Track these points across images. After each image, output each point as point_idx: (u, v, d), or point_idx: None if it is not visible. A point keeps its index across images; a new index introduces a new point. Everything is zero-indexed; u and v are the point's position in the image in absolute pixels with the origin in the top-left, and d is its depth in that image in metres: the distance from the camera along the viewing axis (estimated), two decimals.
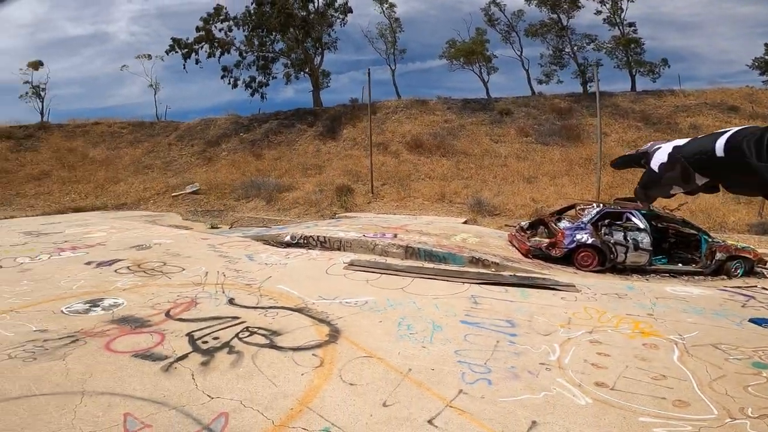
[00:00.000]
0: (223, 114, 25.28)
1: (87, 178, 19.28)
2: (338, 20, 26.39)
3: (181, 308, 4.42)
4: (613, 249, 7.57)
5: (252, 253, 7.48)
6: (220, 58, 25.84)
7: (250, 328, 4.06)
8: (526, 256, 8.02)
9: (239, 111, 25.89)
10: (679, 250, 8.40)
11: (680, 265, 7.88)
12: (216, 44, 25.67)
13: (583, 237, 7.70)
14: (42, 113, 25.06)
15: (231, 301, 4.73)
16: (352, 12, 26.39)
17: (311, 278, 5.89)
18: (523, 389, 3.18)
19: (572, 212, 9.47)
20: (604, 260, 7.57)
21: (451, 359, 3.65)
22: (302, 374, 3.31)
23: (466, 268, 7.16)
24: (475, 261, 7.39)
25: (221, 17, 25.40)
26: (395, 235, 8.51)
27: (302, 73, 26.77)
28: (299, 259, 7.10)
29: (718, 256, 7.63)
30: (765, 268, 7.95)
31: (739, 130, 0.52)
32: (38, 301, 4.51)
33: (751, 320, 5.04)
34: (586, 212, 8.81)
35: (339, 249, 8.06)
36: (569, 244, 7.72)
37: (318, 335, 4.02)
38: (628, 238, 7.60)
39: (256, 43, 26.09)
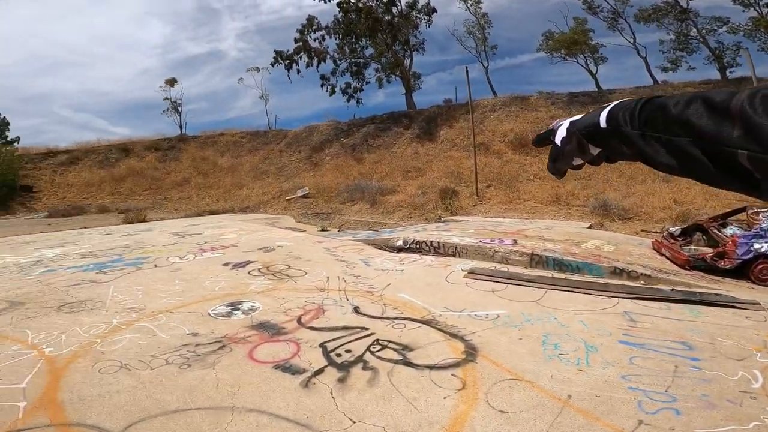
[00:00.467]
0: (323, 120, 26.64)
1: (217, 183, 21.79)
2: (423, 21, 26.05)
3: (311, 315, 4.40)
4: None
5: (366, 257, 7.44)
6: (318, 66, 27.30)
7: (380, 341, 3.85)
8: (683, 267, 6.71)
9: (338, 117, 27.13)
10: None
11: None
12: (312, 54, 27.19)
13: (764, 246, 6.19)
14: (180, 126, 29.11)
15: (356, 310, 4.60)
16: (436, 12, 25.87)
17: (432, 286, 5.56)
18: (725, 419, 2.69)
19: (741, 216, 7.82)
20: None
21: (620, 385, 3.13)
22: (444, 397, 2.98)
23: (606, 280, 6.17)
24: (619, 272, 6.33)
25: (314, 27, 26.83)
26: (515, 241, 7.78)
27: (393, 76, 26.99)
28: (415, 266, 6.83)
29: None
30: None
31: (618, 102, 0.58)
32: (188, 302, 4.90)
33: None
34: (761, 216, 7.20)
35: (454, 255, 7.61)
36: (744, 254, 6.30)
37: (453, 352, 3.66)
38: None
39: (348, 50, 27.02)
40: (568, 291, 5.52)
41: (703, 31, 21.00)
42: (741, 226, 7.41)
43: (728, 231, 7.25)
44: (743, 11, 20.41)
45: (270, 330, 4.02)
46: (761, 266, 6.21)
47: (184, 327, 4.06)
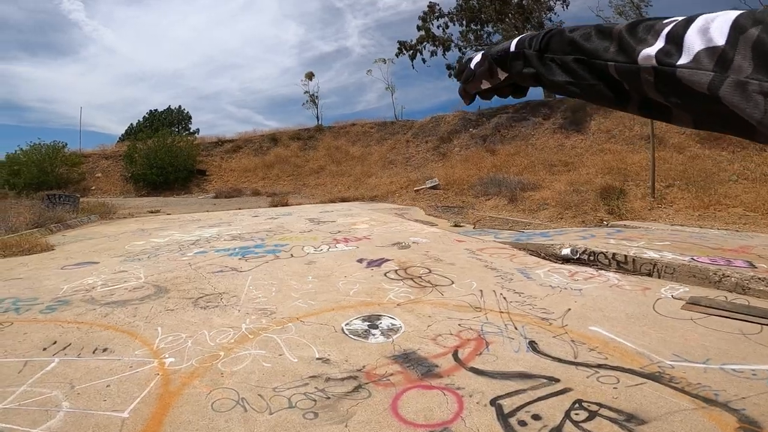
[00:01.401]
0: (450, 111, 25.30)
1: (348, 172, 22.31)
2: (558, 2, 22.25)
3: (471, 349, 3.19)
4: None
5: (523, 267, 5.94)
6: (444, 54, 25.85)
7: (584, 404, 2.44)
8: None
9: (464, 107, 25.47)
10: None
11: None
12: (436, 42, 25.77)
13: None
14: (317, 117, 30.92)
15: (533, 347, 3.23)
16: None
17: (637, 319, 3.84)
18: None
19: None
20: None
21: None
22: None
23: None
24: None
25: (436, 14, 25.25)
26: (751, 264, 5.36)
27: None
28: (595, 285, 5.09)
29: None
30: None
31: (533, 32, 0.61)
32: (321, 310, 4.15)
33: None
34: None
35: (650, 275, 5.58)
36: None
37: (721, 430, 2.08)
38: None
39: (472, 37, 24.88)
40: None
41: None
42: None
43: None
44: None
45: (419, 367, 2.93)
46: None
47: (314, 347, 3.24)
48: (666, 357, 3.03)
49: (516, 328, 3.55)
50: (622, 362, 2.97)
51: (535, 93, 24.75)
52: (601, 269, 5.95)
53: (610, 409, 2.41)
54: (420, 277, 5.36)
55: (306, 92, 31.37)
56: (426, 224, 11.21)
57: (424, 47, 26.71)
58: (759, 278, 4.81)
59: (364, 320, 3.81)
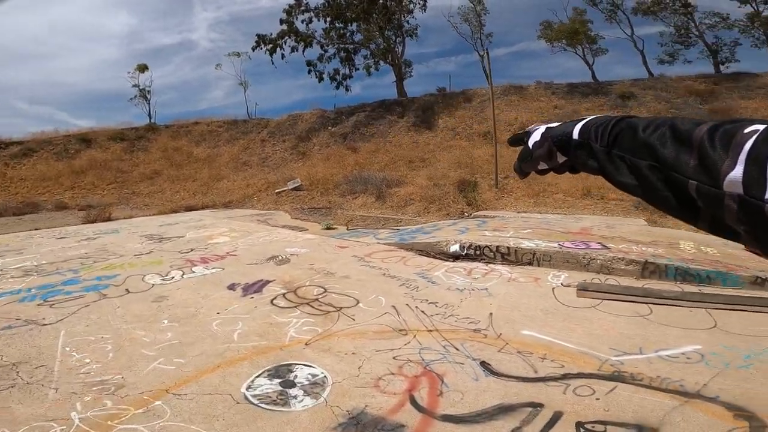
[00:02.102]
0: (307, 109, 24.61)
1: (193, 176, 19.31)
2: (417, 6, 24.24)
3: (428, 389, 2.58)
4: None
5: (421, 270, 5.63)
6: (304, 51, 25.05)
7: (587, 426, 2.14)
8: None
9: (321, 105, 25.20)
10: None
11: None
12: (298, 38, 24.88)
13: None
14: (150, 115, 26.13)
15: (488, 368, 2.82)
16: None
17: (552, 315, 3.84)
18: None
19: None
20: None
21: None
22: None
23: (748, 292, 4.69)
24: (761, 282, 4.87)
25: (302, 8, 24.50)
26: (603, 245, 6.16)
27: (382, 63, 25.10)
28: (495, 281, 5.09)
29: None
30: None
31: (593, 117, 0.59)
32: (199, 370, 2.93)
33: None
34: None
35: (530, 264, 5.92)
36: None
37: (725, 423, 2.03)
38: None
39: (335, 35, 24.96)
40: (740, 310, 3.95)
41: (702, 25, 20.44)
42: None
43: None
44: (739, 7, 20.02)
45: None
46: None
47: None
48: (607, 353, 2.98)
49: (457, 349, 3.08)
50: (578, 366, 2.80)
51: (389, 92, 25.91)
52: (489, 263, 6.08)
53: (615, 424, 2.19)
54: (317, 299, 4.48)
55: (135, 86, 26.11)
56: (296, 230, 10.21)
57: (285, 42, 25.02)
58: (618, 258, 5.50)
59: (271, 376, 2.79)
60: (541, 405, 2.29)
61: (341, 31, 24.97)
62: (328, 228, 11.03)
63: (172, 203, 16.28)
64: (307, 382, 2.66)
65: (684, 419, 2.10)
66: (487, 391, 2.45)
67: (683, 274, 5.14)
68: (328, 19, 24.56)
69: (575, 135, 0.59)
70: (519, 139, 0.72)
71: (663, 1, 21.01)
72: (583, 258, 5.63)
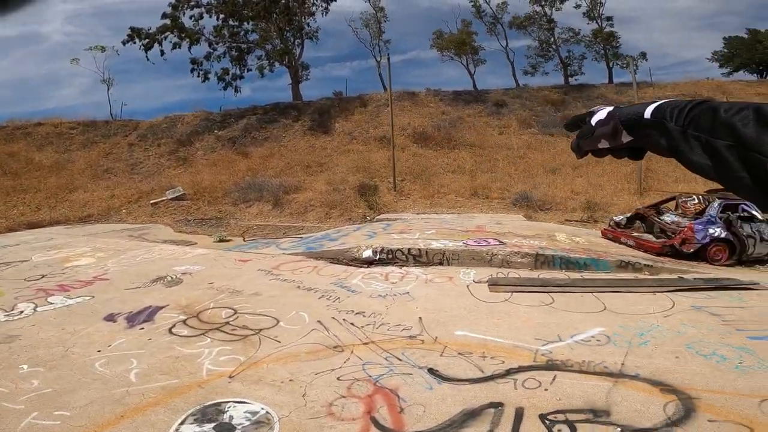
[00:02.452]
0: (188, 110, 22.30)
1: (35, 186, 15.77)
2: (320, 9, 24.04)
3: (386, 408, 2.42)
4: (746, 242, 6.62)
5: (337, 279, 5.40)
6: (190, 48, 22.64)
7: (549, 417, 2.30)
8: (659, 254, 6.66)
9: (205, 106, 23.12)
10: None
11: None
12: (184, 34, 22.44)
13: (716, 231, 6.65)
14: None
15: (437, 375, 2.79)
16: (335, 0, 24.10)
17: (475, 312, 4.02)
18: None
19: (670, 204, 8.37)
20: (733, 254, 6.67)
21: None
22: None
23: (617, 275, 5.60)
24: (624, 265, 5.89)
25: (191, 2, 22.17)
26: (500, 241, 6.73)
27: (278, 64, 24.18)
28: (414, 284, 5.14)
29: None
30: None
31: (669, 100, 0.58)
32: (98, 423, 2.28)
33: None
34: (689, 204, 8.02)
35: (441, 263, 6.15)
36: (703, 239, 6.59)
37: (661, 398, 2.39)
38: (753, 230, 6.73)
39: (227, 33, 23.22)
40: (615, 292, 4.69)
41: (559, 40, 24.13)
42: (675, 213, 7.83)
43: (667, 218, 7.57)
44: (588, 23, 24.27)
45: None
46: (715, 249, 6.61)
47: None
48: (534, 343, 3.18)
49: (399, 359, 2.97)
50: (516, 360, 2.95)
51: (282, 95, 24.86)
52: (403, 266, 6.15)
53: (572, 411, 2.35)
54: (227, 323, 3.93)
55: None
56: (183, 245, 9.06)
57: (166, 38, 21.93)
58: (515, 252, 6.05)
59: (199, 421, 2.29)
60: (501, 404, 2.33)
61: (234, 30, 23.18)
62: (222, 240, 10.01)
63: (8, 220, 13.05)
64: (248, 422, 2.25)
65: (623, 399, 2.33)
66: (446, 399, 2.40)
67: (566, 263, 5.89)
68: (222, 16, 22.59)
69: (647, 114, 0.58)
70: (578, 120, 0.70)
71: (533, 16, 24.18)
72: (487, 255, 6.06)
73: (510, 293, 4.60)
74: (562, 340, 3.22)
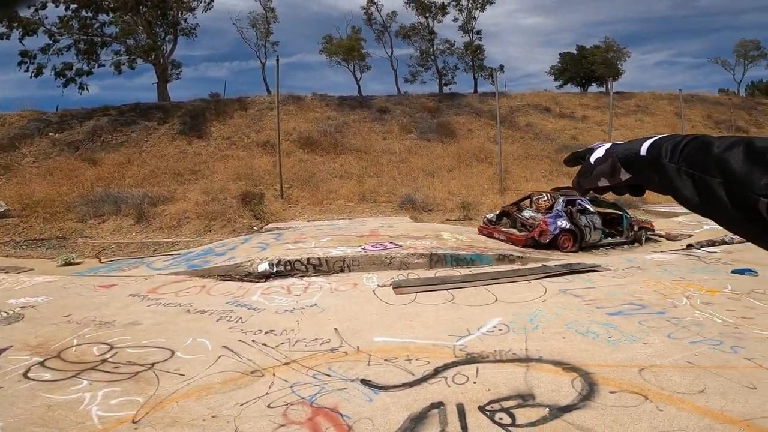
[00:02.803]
0: (12, 109, 18.16)
1: None
2: (201, 5, 21.85)
3: (335, 429, 2.25)
4: (585, 231, 8.11)
5: (233, 298, 4.94)
6: (22, 39, 18.38)
7: (489, 407, 2.50)
8: (524, 246, 7.76)
9: (37, 105, 19.12)
10: (605, 227, 9.28)
11: (617, 238, 8.87)
12: (18, 23, 18.08)
13: (563, 223, 8.00)
14: None
15: (372, 385, 2.77)
16: None
17: (388, 317, 4.11)
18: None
19: (526, 202, 9.72)
20: (575, 241, 8.07)
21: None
22: None
23: (498, 267, 6.37)
24: (502, 258, 6.71)
25: None
26: (395, 244, 7.02)
27: (141, 61, 21.25)
28: (319, 295, 5.01)
29: (635, 228, 9.00)
30: (654, 234, 9.60)
31: (665, 135, 0.58)
32: None
33: (734, 271, 5.98)
34: (541, 201, 9.29)
35: (342, 270, 6.13)
36: (554, 230, 7.89)
37: (566, 378, 2.81)
38: (588, 221, 8.25)
39: (76, 25, 19.53)
40: (502, 283, 5.33)
41: (437, 50, 26.29)
42: (531, 209, 9.19)
43: (526, 213, 8.89)
44: (462, 36, 26.95)
45: None
46: (563, 238, 7.97)
47: None
48: (449, 339, 3.39)
49: (328, 375, 2.85)
50: (440, 359, 3.10)
51: (145, 95, 21.73)
52: (303, 276, 5.94)
53: (504, 399, 2.52)
54: (105, 360, 3.25)
55: None
56: (14, 272, 7.30)
57: None
58: (411, 254, 6.37)
59: None
60: (442, 403, 2.41)
61: (87, 21, 19.40)
62: (69, 264, 8.29)
63: None
64: None
65: (539, 381, 2.63)
66: (390, 408, 2.38)
67: (456, 260, 6.44)
68: (73, 6, 18.62)
69: (643, 152, 0.59)
70: (578, 157, 0.71)
71: (417, 27, 25.71)
72: (386, 258, 6.25)
73: (414, 294, 4.82)
74: (471, 333, 3.51)
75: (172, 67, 23.40)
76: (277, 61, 13.27)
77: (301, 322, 3.93)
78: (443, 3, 25.02)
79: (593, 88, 28.91)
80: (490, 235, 8.67)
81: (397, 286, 5.13)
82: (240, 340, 3.54)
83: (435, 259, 6.37)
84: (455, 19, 25.99)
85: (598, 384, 2.64)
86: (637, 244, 8.93)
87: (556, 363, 2.94)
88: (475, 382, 2.66)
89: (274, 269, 6.03)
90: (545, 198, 9.14)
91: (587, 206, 8.49)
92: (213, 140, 17.76)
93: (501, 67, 28.70)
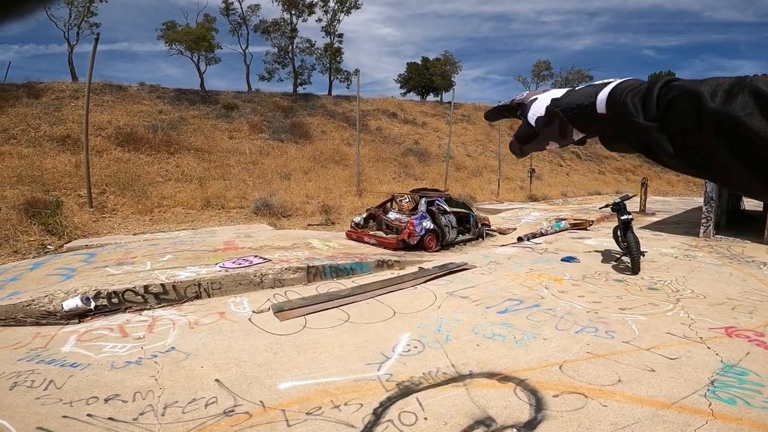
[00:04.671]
0: None
1: None
2: None
3: None
4: (445, 230, 8.62)
5: (28, 352, 3.29)
6: None
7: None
8: (395, 249, 7.74)
9: None
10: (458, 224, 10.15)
11: (467, 235, 9.90)
12: None
13: (428, 224, 8.28)
14: None
15: None
16: None
17: (279, 351, 3.27)
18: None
19: (389, 204, 9.84)
20: (438, 241, 8.46)
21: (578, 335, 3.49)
22: None
23: (378, 274, 6.14)
24: (381, 264, 6.48)
25: None
26: (262, 258, 6.05)
27: None
28: (177, 333, 3.75)
29: (479, 225, 10.17)
30: (491, 229, 11.20)
31: (620, 83, 0.48)
32: None
33: (563, 259, 7.15)
34: (403, 203, 9.51)
35: (198, 297, 4.87)
36: (420, 231, 8.10)
37: (511, 393, 2.44)
38: (447, 220, 8.86)
39: None
40: (390, 292, 5.04)
41: (296, 49, 24.98)
42: (395, 211, 9.36)
43: (391, 215, 9.02)
44: (323, 37, 26.21)
45: None
46: (428, 238, 8.22)
47: None
48: (370, 370, 2.88)
49: None
50: (371, 396, 2.54)
51: None
52: (143, 310, 4.48)
53: (473, 429, 2.12)
54: None
55: None
56: None
57: None
58: (286, 268, 5.51)
59: None
60: None
61: None
62: None
63: None
64: None
65: (486, 400, 2.31)
66: None
67: (336, 271, 5.88)
68: None
69: (600, 108, 0.48)
70: (503, 111, 0.61)
71: (279, 23, 23.78)
72: (255, 276, 5.24)
73: (303, 318, 4.08)
74: (389, 357, 3.02)
75: None
76: (97, 38, 10.30)
77: (161, 378, 2.77)
78: (311, 2, 24.14)
79: (431, 97, 32.31)
80: (360, 240, 8.38)
81: (279, 310, 4.27)
82: (66, 417, 2.22)
83: (313, 272, 5.67)
84: (319, 20, 25.51)
85: (537, 390, 2.51)
86: (480, 239, 9.81)
87: (488, 375, 2.72)
88: (426, 418, 2.19)
89: (93, 304, 4.36)
90: (407, 200, 9.29)
91: (445, 206, 8.94)
92: None
93: (356, 71, 29.44)
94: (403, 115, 26.33)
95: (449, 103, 23.60)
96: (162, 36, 21.62)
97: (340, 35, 26.98)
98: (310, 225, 10.97)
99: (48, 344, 3.52)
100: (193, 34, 21.12)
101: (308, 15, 24.76)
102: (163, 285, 4.75)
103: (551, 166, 26.78)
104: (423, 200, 8.62)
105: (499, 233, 10.72)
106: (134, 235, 8.85)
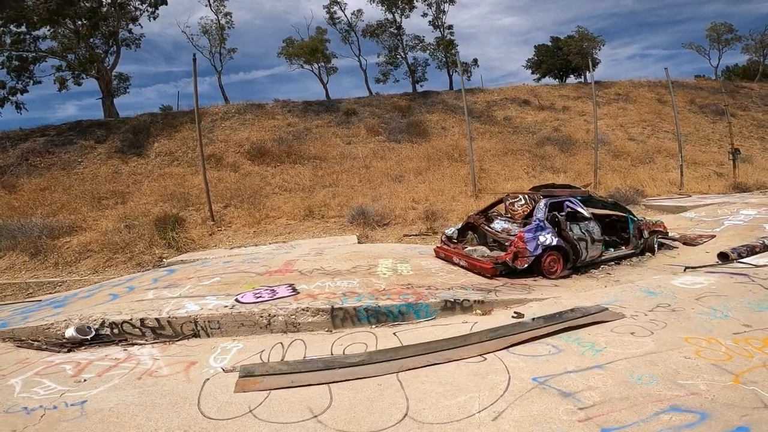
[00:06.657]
0: None
1: None
2: (146, 13, 20.27)
3: None
4: (579, 246, 5.96)
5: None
6: None
7: None
8: (493, 276, 5.67)
9: None
10: (604, 234, 6.82)
11: (621, 249, 6.82)
12: None
13: (548, 239, 5.82)
14: None
15: None
16: (166, 3, 20.55)
17: None
18: None
19: (499, 208, 7.49)
20: (567, 262, 5.94)
21: None
22: None
23: (442, 320, 4.42)
24: (451, 306, 4.64)
25: None
26: (293, 288, 5.08)
27: (85, 76, 19.68)
28: (116, 382, 3.04)
29: (645, 234, 6.85)
30: (668, 239, 7.55)
31: None
32: None
33: None
34: (517, 206, 6.97)
35: (195, 335, 4.20)
36: (534, 250, 5.72)
37: None
38: (583, 231, 6.10)
39: (8, 40, 18.13)
40: (428, 365, 3.33)
41: (406, 47, 24.67)
42: (504, 217, 7.04)
43: (497, 225, 6.86)
44: (433, 32, 25.46)
45: None
46: (549, 259, 5.81)
47: None
48: None
49: None
50: None
51: (94, 112, 20.56)
52: (134, 344, 4.02)
53: None
54: None
55: None
56: None
57: None
58: (303, 309, 4.35)
59: None
60: None
61: (21, 37, 18.02)
62: None
63: None
64: None
65: None
66: None
67: (375, 315, 4.40)
68: None
69: None
70: None
71: (384, 23, 24.07)
72: (261, 317, 4.27)
73: (268, 392, 2.89)
74: None
75: (119, 81, 21.74)
76: (194, 59, 11.37)
77: None
78: None
79: (571, 79, 27.45)
80: (448, 260, 6.53)
81: (248, 375, 3.16)
82: None
83: (340, 316, 4.32)
84: (424, 14, 24.46)
85: None
86: (648, 254, 6.80)
87: None
88: None
89: (89, 334, 4.09)
90: (522, 202, 6.96)
91: (579, 209, 6.32)
92: (153, 157, 15.94)
93: (475, 61, 27.16)
94: (538, 101, 22.59)
95: (597, 82, 19.07)
96: (281, 53, 23.59)
97: (450, 27, 25.01)
98: (406, 236, 9.74)
99: (13, 372, 3.28)
100: (308, 47, 22.33)
101: (410, 10, 23.61)
102: (158, 320, 4.24)
103: (763, 144, 19.17)
104: (543, 202, 6.19)
105: (684, 243, 7.29)
106: (230, 249, 9.18)
